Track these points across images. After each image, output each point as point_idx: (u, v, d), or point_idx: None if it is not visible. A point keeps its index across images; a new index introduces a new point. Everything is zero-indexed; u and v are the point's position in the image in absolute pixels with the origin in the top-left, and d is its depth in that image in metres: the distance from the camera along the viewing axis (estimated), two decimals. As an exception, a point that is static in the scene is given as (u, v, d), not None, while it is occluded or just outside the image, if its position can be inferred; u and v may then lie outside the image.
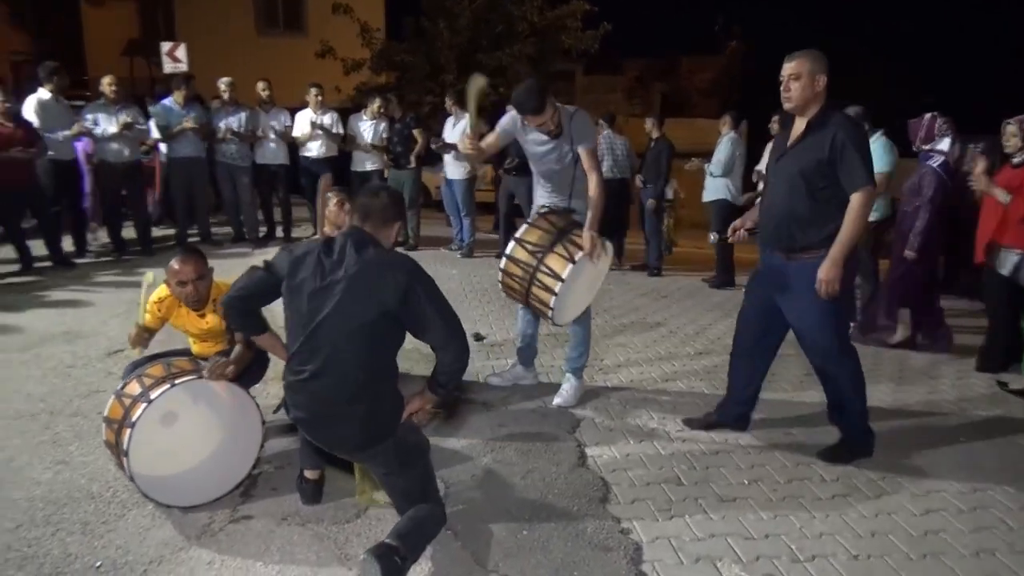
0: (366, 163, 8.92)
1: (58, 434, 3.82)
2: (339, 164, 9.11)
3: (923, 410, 4.57)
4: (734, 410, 4.06)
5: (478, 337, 5.64)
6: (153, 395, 2.99)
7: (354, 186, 8.80)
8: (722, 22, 27.58)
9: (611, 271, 8.38)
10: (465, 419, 4.17)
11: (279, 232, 9.10)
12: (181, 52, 12.14)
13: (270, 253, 2.98)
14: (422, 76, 14.46)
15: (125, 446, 2.93)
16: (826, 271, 3.41)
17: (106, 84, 7.58)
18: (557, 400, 4.41)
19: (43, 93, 7.29)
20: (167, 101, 8.25)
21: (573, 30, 14.80)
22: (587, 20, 14.86)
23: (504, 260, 4.10)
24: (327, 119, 8.71)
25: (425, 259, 8.57)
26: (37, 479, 3.36)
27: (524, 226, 4.13)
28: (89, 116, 7.49)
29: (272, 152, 8.71)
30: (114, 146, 7.61)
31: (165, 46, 12.38)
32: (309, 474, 3.22)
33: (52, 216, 7.43)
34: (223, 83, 8.47)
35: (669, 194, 11.43)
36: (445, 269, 8.01)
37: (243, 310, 2.91)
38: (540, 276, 3.92)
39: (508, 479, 3.50)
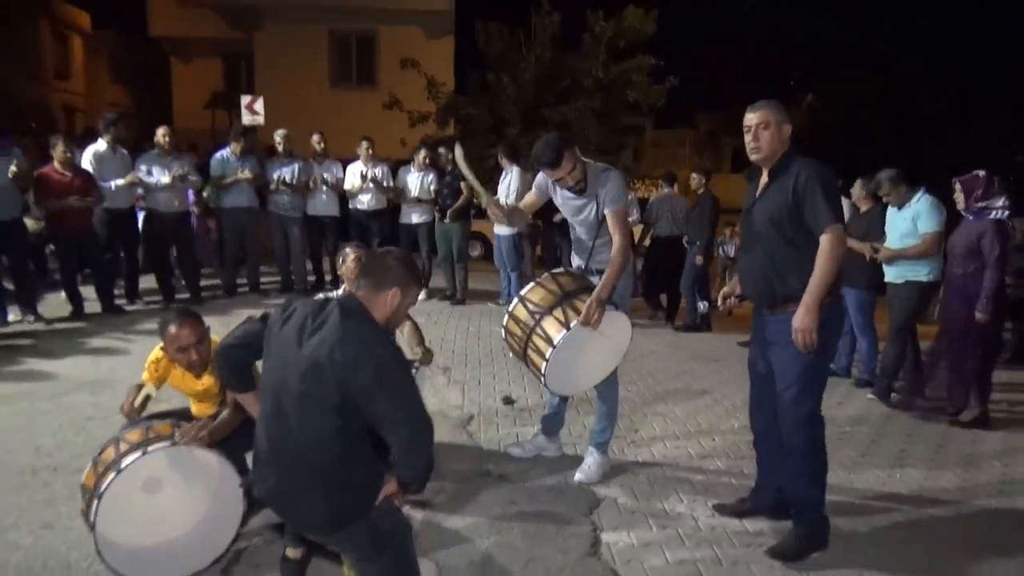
0: (412, 216, 8.88)
1: (54, 493, 3.71)
2: (389, 216, 9.10)
3: (992, 504, 4.05)
4: (769, 497, 3.65)
5: (508, 400, 5.37)
6: (124, 463, 2.83)
7: (401, 239, 8.78)
8: (797, 76, 27.10)
9: (663, 328, 8.20)
10: (476, 493, 3.88)
11: (327, 282, 9.08)
12: (259, 105, 12.61)
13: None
14: (484, 129, 14.49)
15: (92, 518, 2.76)
16: (800, 319, 3.10)
17: (160, 135, 7.74)
18: (578, 476, 4.09)
19: (100, 144, 7.47)
20: (224, 152, 8.39)
21: (640, 84, 14.63)
22: (655, 74, 14.69)
23: (506, 317, 3.87)
24: (378, 171, 8.72)
25: (470, 314, 8.48)
26: (18, 543, 3.24)
27: (531, 284, 3.89)
28: (143, 167, 7.64)
29: (323, 204, 8.77)
30: (164, 196, 7.74)
31: (245, 99, 12.86)
32: (291, 552, 2.97)
33: (105, 264, 7.57)
34: (278, 135, 8.64)
35: (732, 251, 11.02)
36: (488, 326, 7.77)
37: (234, 360, 2.71)
38: (535, 339, 3.66)
39: (508, 567, 3.19)
